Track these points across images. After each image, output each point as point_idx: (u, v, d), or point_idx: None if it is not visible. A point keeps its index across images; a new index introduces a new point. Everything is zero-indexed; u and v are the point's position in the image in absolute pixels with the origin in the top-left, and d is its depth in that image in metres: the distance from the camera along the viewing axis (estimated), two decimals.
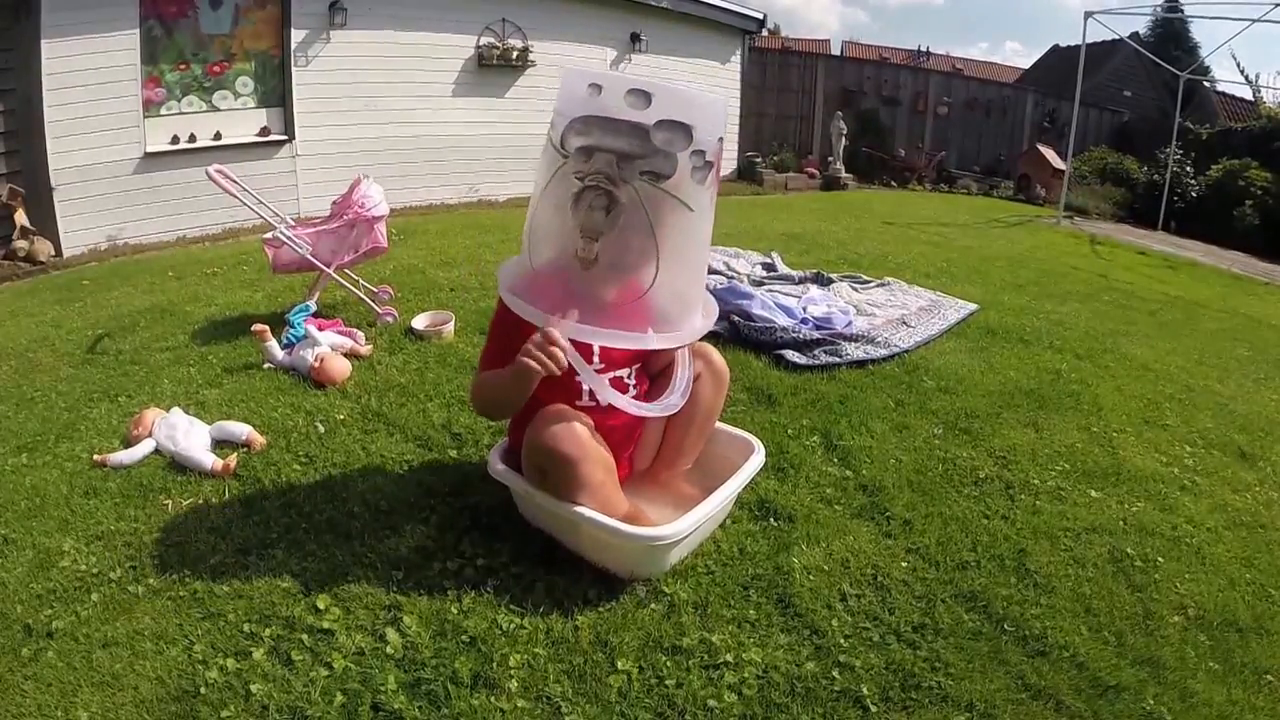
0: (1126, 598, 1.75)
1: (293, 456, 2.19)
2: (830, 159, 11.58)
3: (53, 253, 5.50)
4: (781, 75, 12.84)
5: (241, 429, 2.30)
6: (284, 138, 6.72)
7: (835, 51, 17.24)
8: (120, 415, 2.50)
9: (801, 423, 2.51)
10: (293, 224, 3.43)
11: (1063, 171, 10.79)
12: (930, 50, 16.22)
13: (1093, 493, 2.22)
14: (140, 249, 5.87)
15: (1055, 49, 19.68)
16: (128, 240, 5.91)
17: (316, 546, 1.76)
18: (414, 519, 1.86)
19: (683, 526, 1.57)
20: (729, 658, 1.46)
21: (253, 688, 1.36)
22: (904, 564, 1.81)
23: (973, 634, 1.58)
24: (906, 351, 3.26)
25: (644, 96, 1.35)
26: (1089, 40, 9.54)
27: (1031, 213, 10.25)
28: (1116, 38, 12.59)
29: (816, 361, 3.04)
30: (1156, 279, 6.61)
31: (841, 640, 1.54)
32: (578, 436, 1.54)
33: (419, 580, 1.64)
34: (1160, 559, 1.92)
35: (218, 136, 6.27)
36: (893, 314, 3.77)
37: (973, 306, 4.11)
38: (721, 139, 1.45)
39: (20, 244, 5.31)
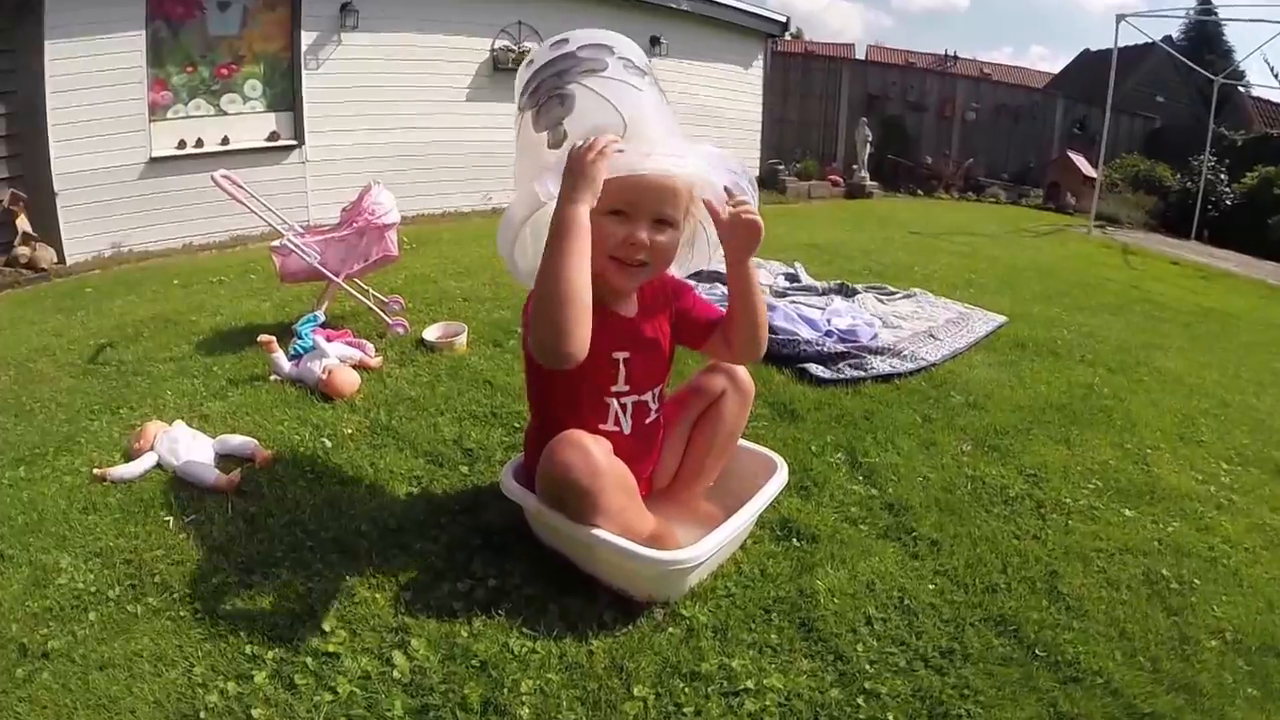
0: (1162, 621, 1.73)
1: (298, 472, 2.18)
2: (855, 166, 11.60)
3: (55, 260, 5.58)
4: (805, 80, 12.88)
5: (246, 443, 2.30)
6: (293, 143, 6.81)
7: (859, 56, 17.24)
8: (121, 428, 2.50)
9: (825, 439, 2.49)
10: (301, 231, 3.46)
11: (1094, 179, 10.76)
12: (957, 55, 16.20)
13: (1126, 512, 2.21)
14: (145, 256, 5.95)
15: (1086, 53, 19.67)
16: (132, 247, 5.99)
17: (322, 566, 1.75)
18: (423, 538, 1.85)
19: (703, 550, 1.57)
20: (749, 684, 1.45)
21: (254, 713, 1.35)
22: (931, 586, 1.79)
23: (1003, 660, 1.56)
24: (933, 365, 3.24)
25: (564, 40, 1.67)
26: (1120, 44, 9.51)
27: (1062, 222, 10.22)
28: (1149, 41, 12.56)
29: (841, 375, 3.03)
30: (1190, 290, 6.56)
31: (867, 666, 1.52)
32: (593, 464, 1.53)
33: (428, 602, 1.63)
34: (1196, 581, 1.89)
35: (225, 141, 6.36)
36: (919, 326, 3.75)
37: (1001, 319, 4.09)
38: (648, 65, 1.69)
39: (22, 250, 5.38)
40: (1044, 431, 2.70)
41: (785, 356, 3.17)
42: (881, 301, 4.26)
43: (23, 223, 5.47)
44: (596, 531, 1.56)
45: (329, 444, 2.35)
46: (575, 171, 1.45)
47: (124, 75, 5.76)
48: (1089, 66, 17.84)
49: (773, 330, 3.29)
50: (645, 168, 1.50)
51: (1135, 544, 2.03)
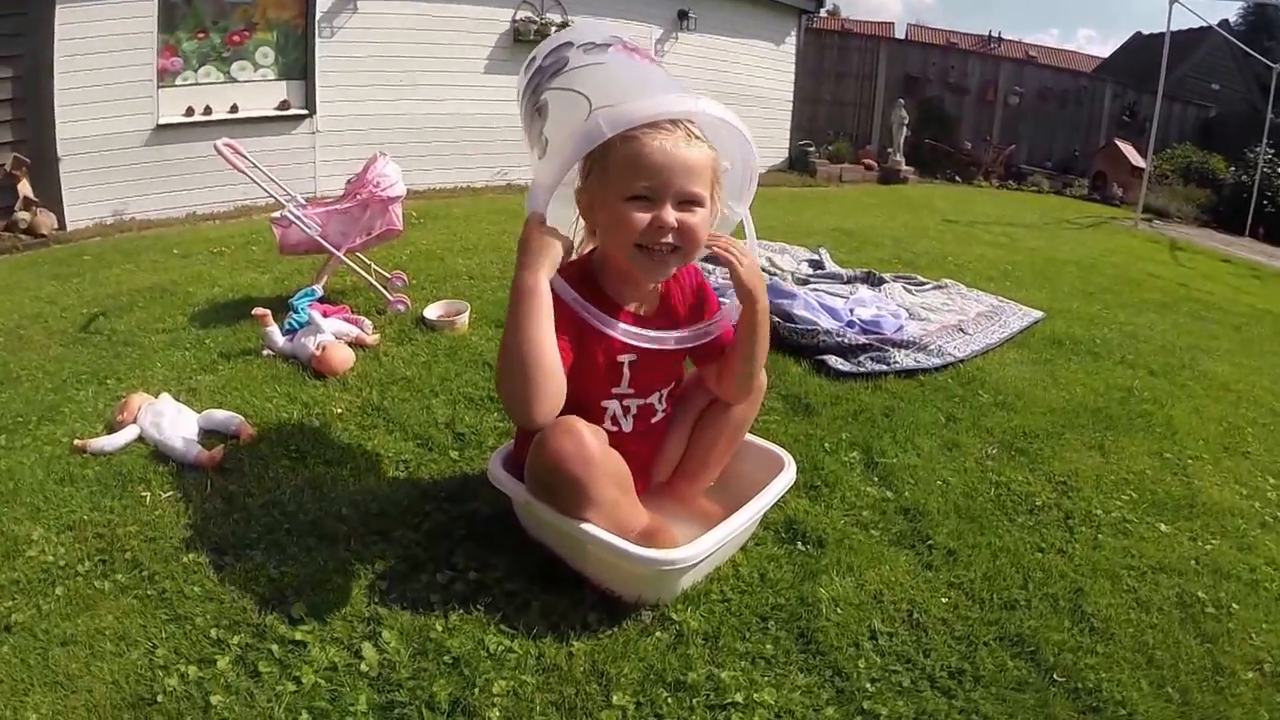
0: (1195, 649, 1.64)
1: (283, 451, 2.17)
2: (889, 150, 11.42)
3: (56, 226, 5.60)
4: (840, 59, 12.69)
5: (231, 419, 2.28)
6: (304, 112, 6.78)
7: (899, 36, 16.97)
8: (108, 399, 2.50)
9: (840, 436, 2.42)
10: (304, 203, 3.43)
11: (1142, 170, 10.51)
12: (1001, 36, 15.90)
13: (1162, 527, 2.11)
14: (148, 225, 5.95)
15: (1137, 36, 19.23)
16: (135, 215, 6.00)
17: (298, 550, 1.73)
18: (405, 524, 1.82)
19: (697, 551, 1.51)
20: (738, 697, 1.39)
21: (213, 699, 1.32)
22: (944, 600, 1.71)
23: (1017, 684, 1.49)
24: (961, 361, 3.15)
25: (532, 59, 1.75)
26: (1174, 28, 9.26)
27: (1107, 214, 10.01)
28: (1204, 25, 12.22)
29: (861, 369, 2.95)
30: (1242, 290, 6.38)
31: (868, 684, 1.45)
32: (587, 453, 1.48)
33: (404, 592, 1.59)
34: (1235, 605, 1.79)
35: (234, 109, 6.34)
36: (949, 319, 3.66)
37: (1038, 314, 3.99)
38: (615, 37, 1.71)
39: (22, 215, 5.41)
40: (1077, 436, 2.60)
41: (803, 347, 3.10)
42: (910, 292, 4.17)
43: (24, 187, 5.49)
44: (585, 525, 1.51)
45: (317, 423, 2.33)
46: (525, 240, 1.47)
47: (134, 40, 5.75)
48: (1140, 50, 17.43)
49: (791, 319, 3.23)
50: (638, 114, 1.44)
51: (1170, 562, 1.94)
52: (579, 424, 1.50)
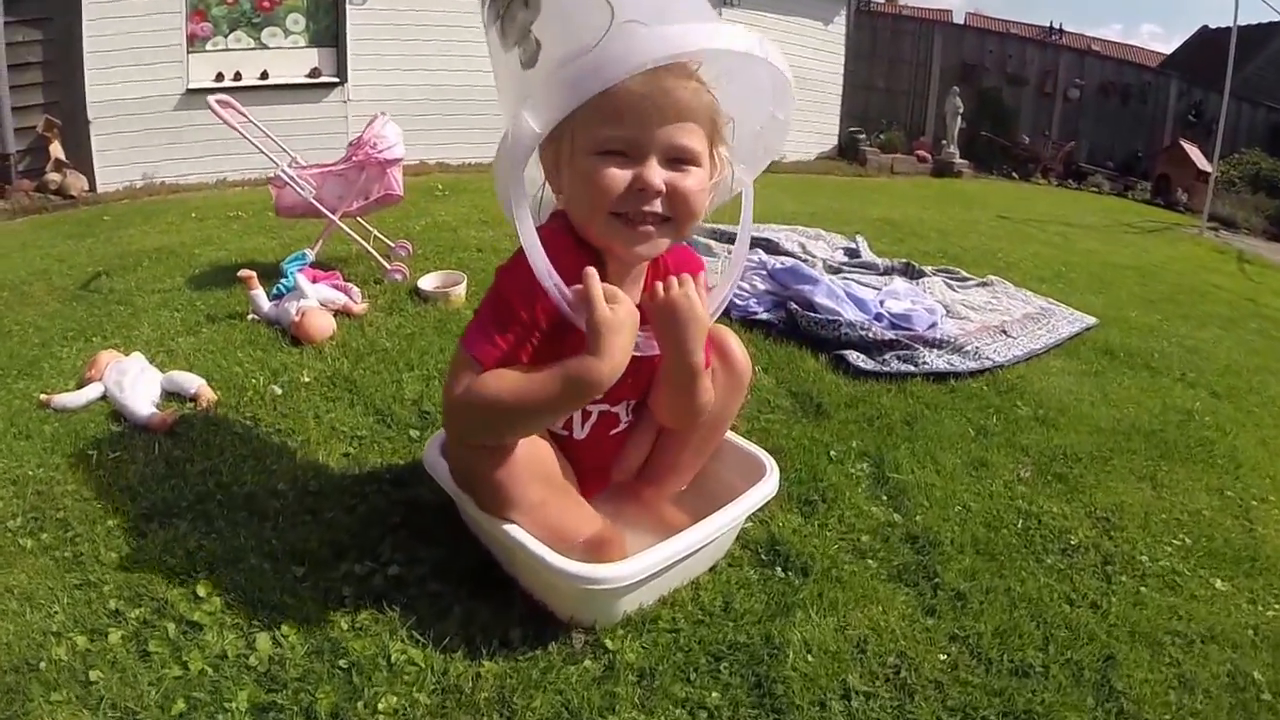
0: None
1: (239, 417, 2.05)
2: (944, 141, 11.01)
3: (86, 188, 5.63)
4: (893, 43, 12.21)
5: (192, 381, 2.18)
6: (335, 80, 6.70)
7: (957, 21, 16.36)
8: (89, 356, 2.44)
9: (850, 444, 2.14)
10: (302, 164, 3.31)
11: (1208, 174, 9.93)
12: (1063, 27, 15.16)
13: (1218, 583, 1.77)
14: (177, 189, 5.96)
15: (1203, 30, 18.24)
16: (164, 179, 6.00)
17: (224, 523, 1.60)
18: (339, 506, 1.65)
19: (631, 570, 1.25)
20: None
21: (93, 674, 1.22)
22: (942, 657, 1.42)
23: None
24: (1000, 366, 2.84)
25: None
26: (1242, 21, 8.66)
27: (1170, 219, 9.48)
28: (1276, 20, 11.44)
29: (885, 368, 2.68)
30: None
31: None
32: (503, 445, 1.25)
33: (318, 582, 1.42)
34: None
35: (264, 75, 6.29)
36: (991, 319, 3.34)
37: (1091, 320, 3.65)
38: None
39: (53, 176, 5.44)
40: (1126, 464, 2.28)
41: (823, 339, 2.83)
42: (951, 287, 3.86)
43: (56, 149, 5.53)
44: (507, 527, 1.28)
45: (279, 390, 2.20)
46: (598, 329, 1.17)
47: (163, 4, 5.74)
48: (1206, 45, 16.43)
49: (811, 307, 2.97)
50: (687, 42, 1.13)
51: (1224, 630, 1.61)
52: None
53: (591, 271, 1.18)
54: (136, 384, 2.14)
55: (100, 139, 5.70)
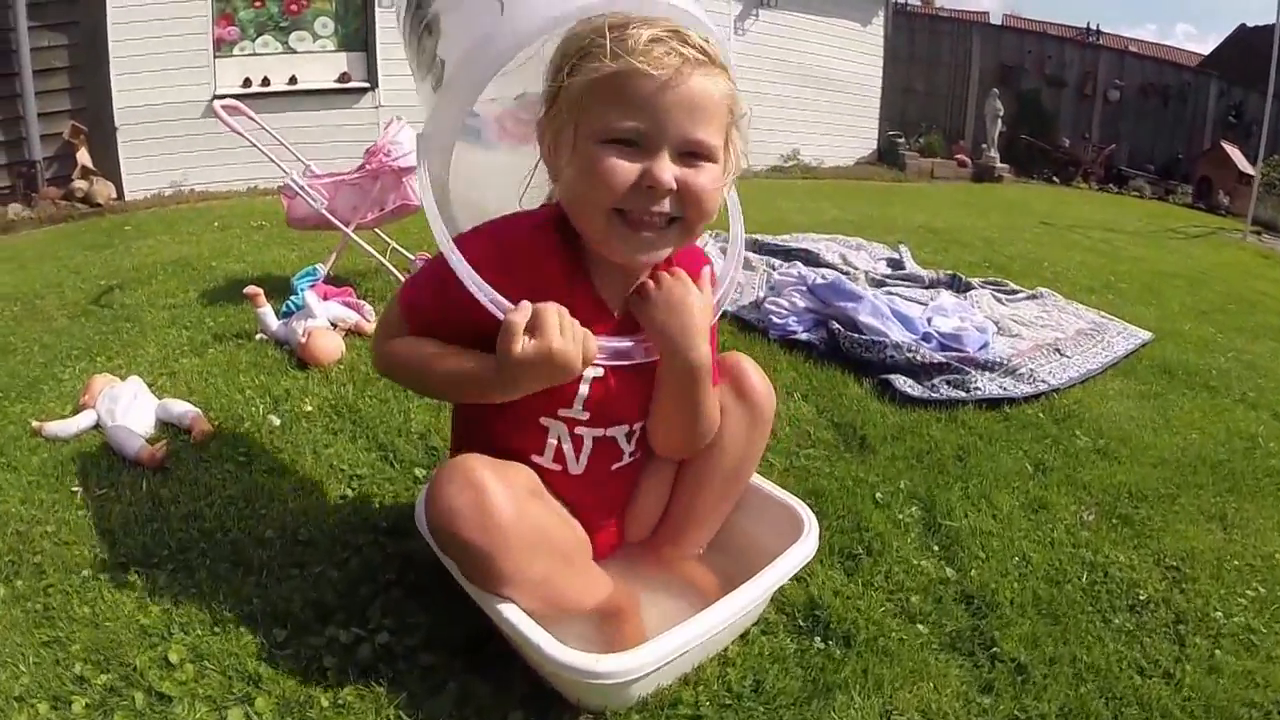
0: None
1: (232, 452, 1.89)
2: (984, 145, 10.79)
3: (113, 195, 5.58)
4: (931, 45, 11.98)
5: (187, 411, 2.03)
6: (365, 85, 6.60)
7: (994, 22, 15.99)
8: (91, 376, 2.32)
9: (899, 484, 1.94)
10: (316, 173, 3.18)
11: (1250, 177, 9.59)
12: (1100, 28, 14.78)
13: None
14: (205, 196, 5.90)
15: (1242, 29, 17.64)
16: (193, 186, 5.94)
17: (206, 575, 1.45)
18: (329, 559, 1.49)
19: (642, 662, 1.07)
20: None
21: None
22: None
23: None
24: (1056, 390, 2.62)
25: None
26: None
27: (1213, 223, 9.15)
28: None
29: (934, 394, 2.47)
30: None
31: None
32: (490, 517, 1.05)
33: (300, 648, 1.26)
34: None
35: (293, 80, 6.21)
36: (1043, 336, 3.12)
37: (1145, 335, 3.41)
38: None
39: (79, 184, 5.40)
40: (1193, 501, 2.05)
41: (867, 362, 2.63)
42: (1000, 301, 3.64)
43: (83, 156, 5.50)
44: (500, 606, 1.10)
45: (278, 422, 2.05)
46: (507, 358, 1.03)
47: (189, 8, 5.69)
48: (1246, 44, 15.87)
49: (855, 327, 2.76)
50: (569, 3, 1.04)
51: None
52: (482, 470, 1.07)
53: (528, 307, 1.04)
54: (129, 413, 2.00)
55: (127, 146, 5.66)
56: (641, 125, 1.03)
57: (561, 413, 1.20)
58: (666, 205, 1.06)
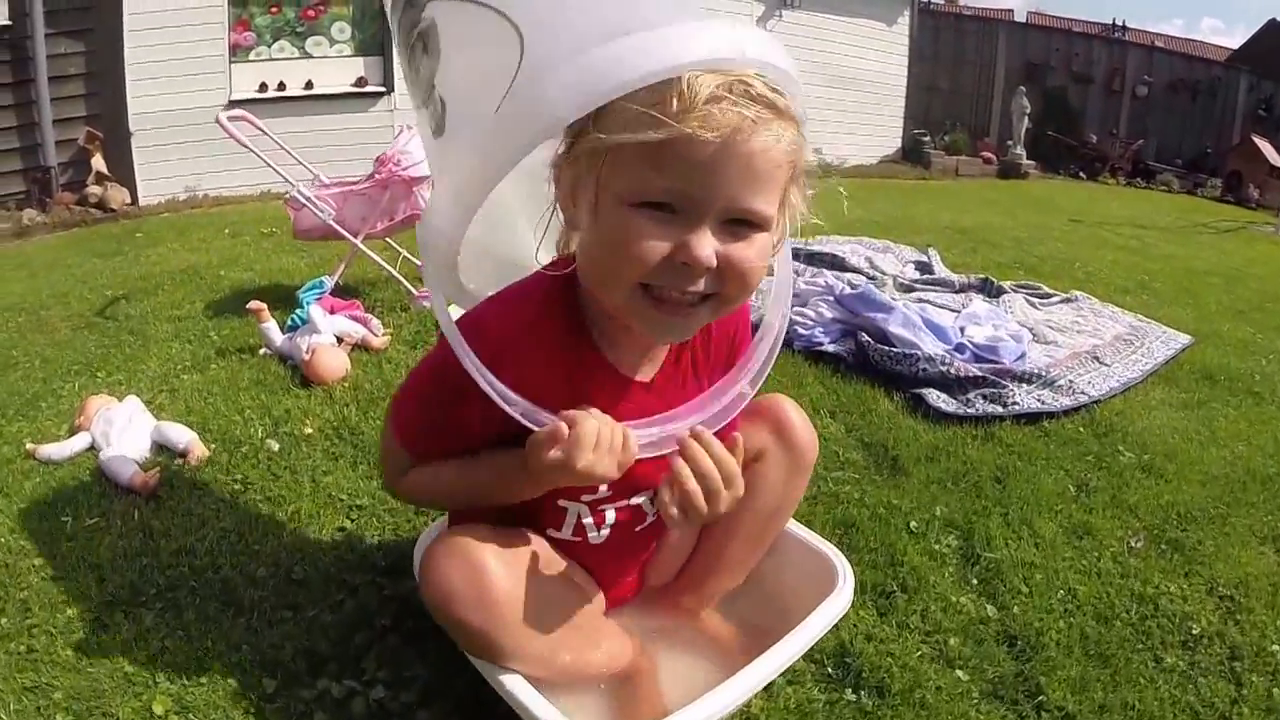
0: None
1: (227, 479, 1.81)
2: (1009, 142, 10.64)
3: (128, 201, 5.54)
4: (957, 44, 11.84)
5: (182, 436, 1.94)
6: (382, 90, 6.53)
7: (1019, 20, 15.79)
8: (91, 393, 2.24)
9: (934, 511, 1.81)
10: (325, 183, 3.10)
11: None
12: (1126, 24, 14.56)
13: None
14: (220, 201, 5.84)
15: (1272, 23, 17.31)
16: (207, 192, 5.88)
17: (194, 616, 1.37)
18: (323, 601, 1.39)
19: None
20: None
21: None
22: None
23: None
24: (1097, 402, 2.48)
25: None
26: None
27: (1244, 218, 8.92)
28: None
29: (970, 410, 2.33)
30: None
31: None
32: (486, 595, 0.94)
33: (290, 701, 1.18)
34: None
35: (309, 85, 6.15)
36: (1080, 343, 2.97)
37: (1185, 339, 3.25)
38: None
39: (94, 190, 5.36)
40: (1245, 521, 1.91)
41: (898, 376, 2.50)
42: (1034, 306, 3.48)
43: (97, 161, 5.46)
44: (503, 677, 0.99)
45: (277, 446, 1.95)
46: (534, 461, 0.90)
47: (205, 14, 5.63)
48: (1276, 38, 15.64)
49: (886, 339, 2.63)
50: (637, 70, 0.76)
51: None
52: (481, 547, 0.96)
53: (564, 425, 0.89)
54: (123, 436, 1.94)
55: (142, 151, 5.62)
56: (682, 188, 0.83)
57: (584, 497, 1.08)
58: (701, 284, 0.87)
